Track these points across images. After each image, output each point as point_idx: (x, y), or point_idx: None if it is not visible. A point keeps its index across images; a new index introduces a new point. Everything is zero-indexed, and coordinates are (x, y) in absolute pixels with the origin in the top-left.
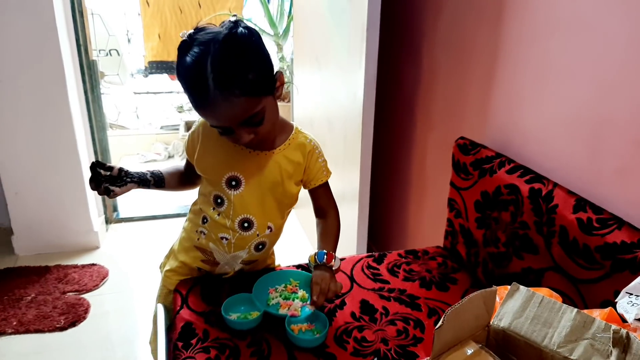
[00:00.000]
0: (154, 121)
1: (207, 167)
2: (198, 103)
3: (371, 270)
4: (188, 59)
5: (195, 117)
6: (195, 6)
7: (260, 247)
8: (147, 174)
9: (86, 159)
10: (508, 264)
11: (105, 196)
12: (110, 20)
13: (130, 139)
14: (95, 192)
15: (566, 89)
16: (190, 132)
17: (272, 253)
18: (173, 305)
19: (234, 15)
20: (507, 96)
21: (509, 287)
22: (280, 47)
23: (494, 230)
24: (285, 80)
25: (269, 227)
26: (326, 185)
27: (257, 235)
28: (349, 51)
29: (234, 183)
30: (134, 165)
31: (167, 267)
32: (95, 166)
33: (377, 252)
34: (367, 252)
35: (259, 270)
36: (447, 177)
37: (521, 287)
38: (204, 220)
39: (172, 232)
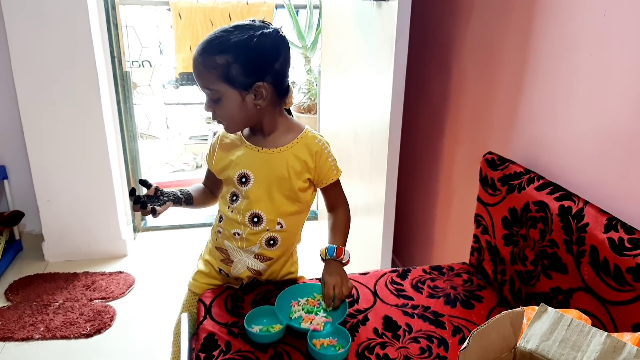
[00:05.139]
0: (183, 131)
1: (223, 167)
2: None
3: (395, 285)
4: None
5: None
6: (226, 18)
7: (272, 242)
8: (177, 192)
9: (117, 167)
10: (536, 283)
11: (150, 215)
12: (144, 32)
13: (160, 148)
14: (138, 211)
15: (598, 102)
16: (210, 144)
17: (295, 262)
18: (197, 315)
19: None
20: (535, 109)
21: (536, 307)
22: (307, 60)
23: (522, 248)
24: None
25: (278, 223)
26: (337, 183)
27: (267, 230)
28: (376, 63)
29: (244, 180)
30: (164, 174)
31: (195, 270)
32: (143, 185)
33: (401, 266)
34: (392, 266)
35: (279, 280)
36: (474, 192)
37: (549, 308)
38: (220, 219)
39: (199, 242)
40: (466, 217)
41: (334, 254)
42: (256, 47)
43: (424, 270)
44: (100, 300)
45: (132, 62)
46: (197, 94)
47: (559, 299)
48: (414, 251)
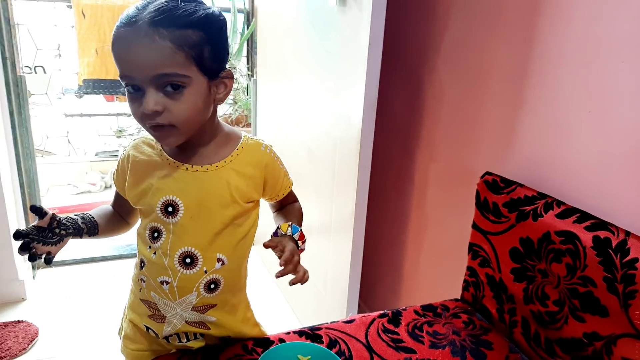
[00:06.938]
0: (89, 147)
1: (139, 194)
2: (117, 30)
3: (389, 335)
4: None
5: None
6: None
7: (213, 286)
8: (78, 220)
9: (10, 192)
10: (562, 327)
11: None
12: (38, 32)
13: (60, 167)
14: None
15: (633, 116)
16: (118, 159)
17: (247, 305)
18: None
19: None
20: (542, 124)
21: None
22: (233, 68)
23: (540, 285)
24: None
25: (219, 260)
26: (290, 190)
27: (205, 271)
28: (341, 70)
29: (170, 209)
30: (66, 197)
31: (121, 331)
32: (35, 213)
33: (366, 307)
34: (358, 307)
35: (236, 334)
36: (456, 217)
37: None
38: (142, 264)
39: (113, 278)
40: (445, 244)
41: (297, 236)
42: (221, 25)
43: (416, 312)
44: None
45: (24, 67)
46: (103, 105)
47: (597, 346)
48: (379, 283)
